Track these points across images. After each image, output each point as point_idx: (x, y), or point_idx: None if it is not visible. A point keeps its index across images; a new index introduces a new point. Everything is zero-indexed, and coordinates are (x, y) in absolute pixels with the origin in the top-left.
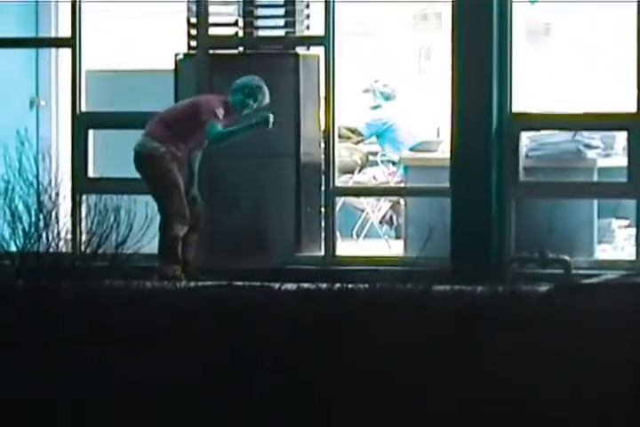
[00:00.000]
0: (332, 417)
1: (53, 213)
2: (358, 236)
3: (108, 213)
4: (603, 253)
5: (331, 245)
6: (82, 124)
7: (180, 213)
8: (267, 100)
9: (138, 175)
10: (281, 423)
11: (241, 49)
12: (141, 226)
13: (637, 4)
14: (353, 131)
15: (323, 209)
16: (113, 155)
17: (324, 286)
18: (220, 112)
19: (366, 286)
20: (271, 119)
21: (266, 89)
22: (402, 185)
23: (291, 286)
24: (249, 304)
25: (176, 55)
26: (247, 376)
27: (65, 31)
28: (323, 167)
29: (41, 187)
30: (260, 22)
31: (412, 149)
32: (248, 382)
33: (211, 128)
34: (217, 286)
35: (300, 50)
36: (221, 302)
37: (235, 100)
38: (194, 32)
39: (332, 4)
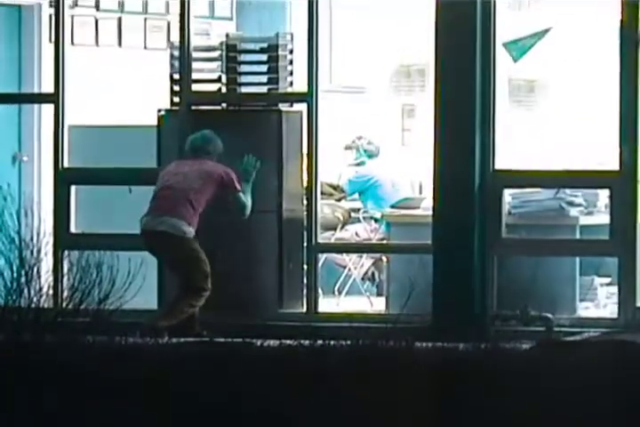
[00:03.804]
0: None
1: (35, 269)
2: (340, 292)
3: (90, 269)
4: (585, 310)
5: (312, 301)
6: (64, 179)
7: (208, 288)
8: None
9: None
10: None
11: (224, 105)
12: (124, 282)
13: (619, 64)
14: (335, 187)
15: (305, 265)
16: (95, 210)
17: (305, 342)
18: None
19: (348, 342)
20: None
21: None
22: (384, 242)
23: (273, 342)
24: (231, 360)
25: (159, 111)
26: None
27: (48, 87)
28: (305, 223)
29: (23, 242)
30: (242, 79)
31: (394, 206)
32: None
33: (240, 199)
34: (199, 342)
35: (283, 106)
36: (204, 357)
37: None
38: (177, 88)
39: (315, 60)
